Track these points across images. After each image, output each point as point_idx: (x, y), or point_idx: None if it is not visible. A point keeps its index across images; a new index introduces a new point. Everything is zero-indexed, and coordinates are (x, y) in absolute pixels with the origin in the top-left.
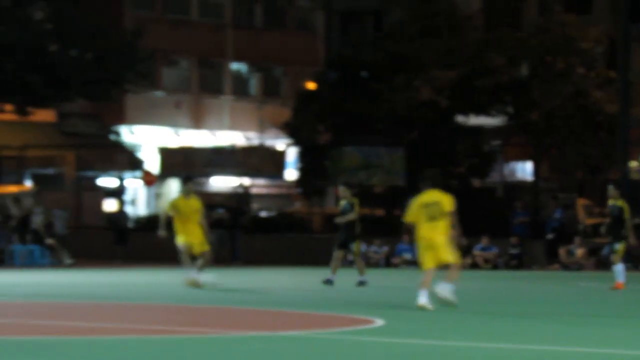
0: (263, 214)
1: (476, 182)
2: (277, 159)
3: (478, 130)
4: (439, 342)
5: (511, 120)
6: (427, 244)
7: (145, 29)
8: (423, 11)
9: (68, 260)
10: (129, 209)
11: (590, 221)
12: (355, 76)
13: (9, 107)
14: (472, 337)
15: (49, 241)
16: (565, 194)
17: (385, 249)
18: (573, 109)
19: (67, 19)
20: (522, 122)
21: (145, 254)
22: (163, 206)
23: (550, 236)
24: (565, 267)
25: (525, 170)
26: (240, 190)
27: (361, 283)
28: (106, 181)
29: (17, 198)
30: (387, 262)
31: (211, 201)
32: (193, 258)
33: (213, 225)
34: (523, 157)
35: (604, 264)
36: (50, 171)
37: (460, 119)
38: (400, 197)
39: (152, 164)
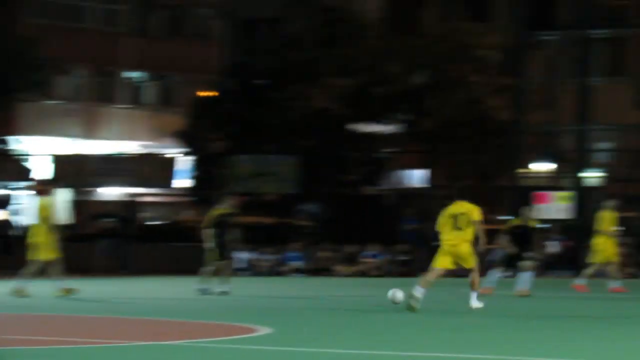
0: (153, 222)
1: (367, 190)
2: (167, 167)
3: (372, 138)
4: (323, 349)
5: (405, 128)
6: (449, 249)
7: (39, 37)
8: (322, 20)
9: None
10: (16, 219)
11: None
12: (252, 84)
13: None
14: (357, 345)
15: None
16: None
17: (274, 257)
18: (467, 116)
19: None
20: (416, 129)
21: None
22: (54, 215)
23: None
24: (455, 273)
25: (417, 177)
26: (129, 199)
27: (223, 293)
28: None
29: None
30: (276, 271)
31: (101, 210)
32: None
33: (102, 234)
34: (416, 165)
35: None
36: None
37: (353, 126)
38: (292, 204)
39: (44, 173)
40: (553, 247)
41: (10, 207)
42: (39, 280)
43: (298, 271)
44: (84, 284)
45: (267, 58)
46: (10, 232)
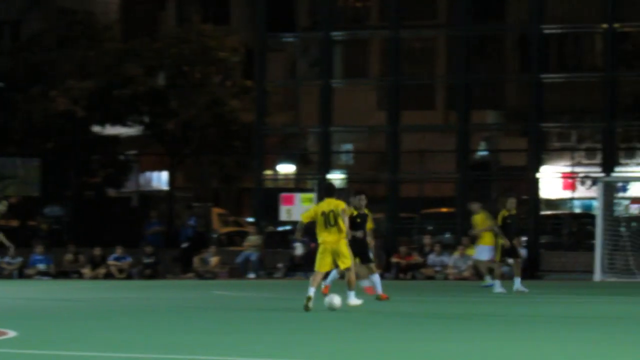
0: None
1: (112, 192)
2: None
3: (114, 140)
4: (67, 352)
5: (147, 130)
6: (329, 248)
7: None
8: (61, 22)
9: None
10: None
11: (225, 230)
12: None
13: None
14: (103, 347)
15: None
16: (201, 203)
17: (19, 259)
18: (209, 118)
19: None
20: (158, 131)
21: None
22: None
23: (184, 245)
24: (200, 275)
25: (161, 179)
26: None
27: None
28: None
29: None
30: (21, 274)
31: None
32: None
33: None
34: (159, 167)
35: (238, 273)
36: None
37: (96, 129)
38: (35, 207)
39: None
40: (298, 249)
41: None
42: None
43: (44, 274)
44: None
45: (6, 60)
46: None
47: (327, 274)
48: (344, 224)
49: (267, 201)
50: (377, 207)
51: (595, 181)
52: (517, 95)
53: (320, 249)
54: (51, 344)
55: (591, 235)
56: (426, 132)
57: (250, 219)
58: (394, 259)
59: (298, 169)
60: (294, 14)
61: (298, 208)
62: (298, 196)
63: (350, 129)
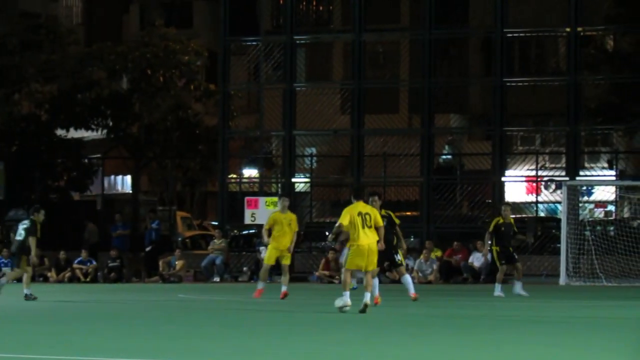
0: None
1: (76, 196)
2: None
3: (78, 143)
4: (29, 355)
5: (111, 134)
6: (363, 250)
7: None
8: (24, 25)
9: None
10: None
11: (189, 233)
12: None
13: None
14: (65, 351)
15: None
16: (165, 206)
17: None
18: (173, 122)
19: None
20: (122, 135)
21: None
22: None
23: (148, 249)
24: (165, 279)
25: (125, 183)
26: None
27: None
28: None
29: None
30: None
31: None
32: None
33: None
34: (123, 171)
35: (203, 276)
36: None
37: (60, 132)
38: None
39: None
40: (263, 252)
41: None
42: None
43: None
44: None
45: None
46: None
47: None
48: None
49: (232, 205)
50: (341, 211)
51: (559, 185)
52: (480, 98)
53: (352, 249)
54: (12, 348)
55: (556, 239)
56: (390, 135)
57: (215, 223)
58: None
59: (262, 173)
60: (257, 18)
61: (262, 211)
62: (262, 200)
63: (314, 133)
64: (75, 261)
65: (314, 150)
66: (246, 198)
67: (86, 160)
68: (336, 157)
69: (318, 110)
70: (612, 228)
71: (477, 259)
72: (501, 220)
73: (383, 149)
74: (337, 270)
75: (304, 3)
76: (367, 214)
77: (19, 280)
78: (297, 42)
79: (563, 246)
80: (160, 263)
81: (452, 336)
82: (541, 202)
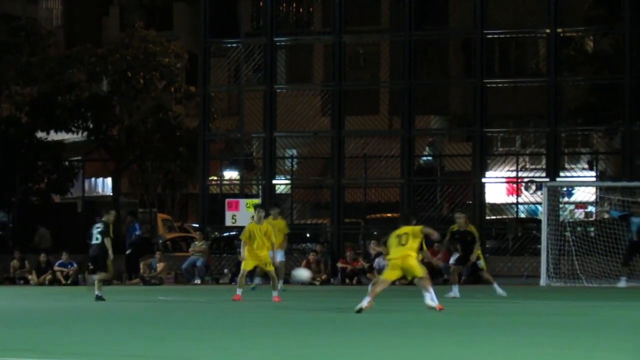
0: None
1: (57, 198)
2: None
3: (58, 146)
4: (7, 359)
5: (92, 136)
6: (397, 263)
7: None
8: (3, 27)
9: None
10: None
11: (170, 235)
12: None
13: None
14: (48, 354)
15: None
16: (146, 209)
17: None
18: (153, 124)
19: None
20: (103, 137)
21: None
22: None
23: (128, 251)
24: (146, 281)
25: (106, 185)
26: None
27: None
28: None
29: None
30: None
31: None
32: None
33: None
34: (104, 173)
35: (184, 278)
36: None
37: (40, 134)
38: None
39: None
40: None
41: None
42: None
43: None
44: None
45: None
46: None
47: None
48: (417, 244)
49: (212, 207)
50: (321, 212)
51: (540, 186)
52: (461, 100)
53: (390, 264)
54: None
55: (537, 240)
56: (370, 137)
57: (196, 225)
58: (340, 265)
59: (243, 175)
60: (237, 20)
61: (243, 213)
62: (243, 201)
63: (294, 134)
64: (56, 264)
65: (294, 152)
66: (227, 200)
67: (67, 163)
68: (317, 158)
69: (298, 112)
70: (592, 229)
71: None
72: (455, 228)
73: (363, 150)
74: (317, 271)
75: (284, 5)
76: (405, 233)
77: (107, 282)
78: (278, 43)
79: (544, 247)
80: (141, 265)
81: (433, 338)
82: (522, 203)
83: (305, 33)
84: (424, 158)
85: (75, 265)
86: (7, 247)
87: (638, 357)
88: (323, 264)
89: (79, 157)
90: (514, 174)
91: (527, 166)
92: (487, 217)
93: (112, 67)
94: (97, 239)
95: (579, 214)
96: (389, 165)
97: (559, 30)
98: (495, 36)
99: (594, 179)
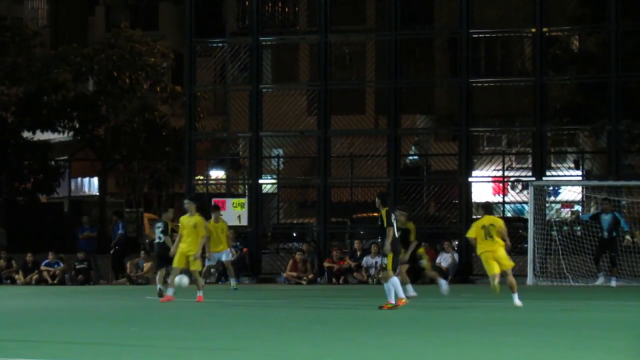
0: None
1: (43, 198)
2: None
3: (45, 145)
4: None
5: (78, 136)
6: (491, 256)
7: None
8: None
9: None
10: None
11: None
12: None
13: None
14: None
15: None
16: (132, 208)
17: None
18: (139, 123)
19: None
20: (89, 137)
21: None
22: None
23: (112, 251)
24: (132, 281)
25: (92, 185)
26: None
27: None
28: None
29: None
30: None
31: None
32: None
33: None
34: (90, 173)
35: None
36: None
37: (26, 134)
38: None
39: None
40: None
41: None
42: None
43: None
44: None
45: None
46: None
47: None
48: (503, 236)
49: (199, 206)
50: (308, 212)
51: (526, 185)
52: (447, 99)
53: (484, 257)
54: None
55: (523, 239)
56: (356, 136)
57: None
58: (326, 264)
59: (229, 174)
60: (222, 19)
61: (230, 213)
62: (230, 201)
63: (280, 134)
64: (43, 263)
65: (280, 151)
66: (213, 200)
67: (53, 163)
68: (303, 158)
69: (284, 112)
70: (578, 228)
71: (444, 260)
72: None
73: (350, 150)
74: (304, 271)
75: (270, 4)
76: (490, 225)
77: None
78: (263, 43)
79: (530, 246)
80: (128, 265)
81: (419, 337)
82: (508, 203)
83: (290, 32)
84: (410, 157)
85: (61, 264)
86: None
87: (632, 356)
88: (309, 264)
89: (65, 157)
90: (500, 173)
91: (514, 165)
92: (474, 217)
93: (98, 66)
94: (159, 238)
95: (565, 213)
96: (375, 165)
97: (545, 29)
98: (480, 35)
99: (580, 178)
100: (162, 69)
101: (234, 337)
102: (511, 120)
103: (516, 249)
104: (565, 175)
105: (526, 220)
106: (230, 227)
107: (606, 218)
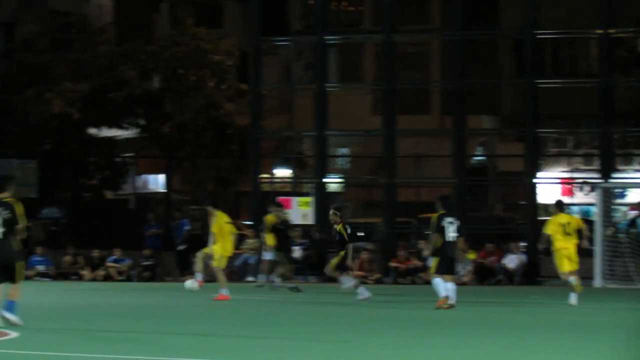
0: None
1: (109, 194)
2: None
3: (110, 142)
4: (69, 354)
5: (143, 133)
6: (566, 254)
7: None
8: (55, 24)
9: None
10: None
11: None
12: None
13: None
14: (104, 349)
15: None
16: (198, 206)
17: None
18: (205, 121)
19: None
20: (154, 134)
21: None
22: None
23: (180, 248)
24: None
25: (157, 182)
26: None
27: None
28: None
29: None
30: None
31: None
32: None
33: None
34: (156, 170)
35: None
36: None
37: (92, 131)
38: (32, 208)
39: None
40: (297, 252)
41: None
42: None
43: (43, 275)
44: None
45: (0, 61)
46: None
47: None
48: (583, 233)
49: (264, 205)
50: (374, 211)
51: (593, 187)
52: (512, 100)
53: (558, 254)
54: (51, 346)
55: (590, 241)
56: (422, 136)
57: (249, 222)
58: (393, 264)
59: (294, 173)
60: (287, 18)
61: (295, 212)
62: (295, 200)
63: (345, 133)
64: (109, 259)
65: (346, 150)
66: (278, 198)
67: (119, 159)
68: (368, 157)
69: (350, 111)
70: None
71: (510, 261)
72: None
73: (415, 149)
74: (370, 270)
75: (335, 3)
76: (568, 223)
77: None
78: (328, 42)
79: (597, 248)
80: (194, 262)
81: (479, 338)
82: (574, 204)
83: (355, 32)
84: (476, 158)
85: (127, 261)
86: (60, 243)
87: None
88: (375, 263)
89: (131, 154)
90: (566, 175)
91: (580, 167)
92: (540, 218)
93: (164, 64)
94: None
95: (632, 215)
96: (440, 165)
97: (611, 30)
98: (546, 36)
99: None
100: (227, 67)
101: (286, 337)
102: (577, 121)
103: (583, 250)
104: (632, 177)
105: (593, 222)
106: (297, 226)
107: None
